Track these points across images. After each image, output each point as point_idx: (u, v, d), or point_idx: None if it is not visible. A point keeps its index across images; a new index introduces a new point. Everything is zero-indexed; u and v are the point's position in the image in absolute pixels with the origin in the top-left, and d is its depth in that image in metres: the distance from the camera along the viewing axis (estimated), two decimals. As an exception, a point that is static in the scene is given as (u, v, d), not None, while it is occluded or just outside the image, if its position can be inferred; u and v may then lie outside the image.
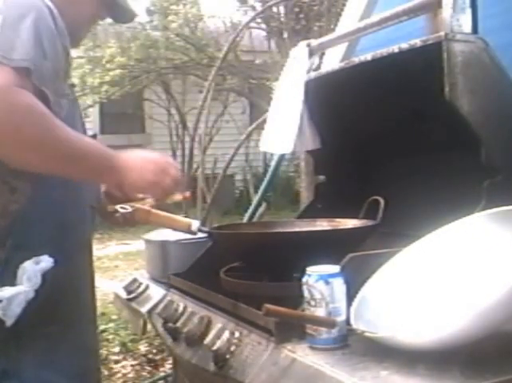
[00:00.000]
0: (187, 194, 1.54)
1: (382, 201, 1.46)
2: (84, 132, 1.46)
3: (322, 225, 1.61)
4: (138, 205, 1.43)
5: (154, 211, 1.43)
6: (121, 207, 1.45)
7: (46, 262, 1.24)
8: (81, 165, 1.25)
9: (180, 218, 1.52)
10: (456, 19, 1.38)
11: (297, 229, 1.61)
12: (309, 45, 1.89)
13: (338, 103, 1.72)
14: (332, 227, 1.57)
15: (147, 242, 1.96)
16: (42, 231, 1.27)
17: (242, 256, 1.50)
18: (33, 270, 1.22)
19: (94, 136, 1.48)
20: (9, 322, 1.20)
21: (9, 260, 1.23)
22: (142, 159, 1.34)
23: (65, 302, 1.30)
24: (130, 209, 1.43)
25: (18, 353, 1.26)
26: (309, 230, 1.57)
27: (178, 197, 1.49)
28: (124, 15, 1.54)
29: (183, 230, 1.51)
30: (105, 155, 1.28)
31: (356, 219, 1.53)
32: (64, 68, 1.30)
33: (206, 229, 1.53)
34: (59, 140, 1.20)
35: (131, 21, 1.63)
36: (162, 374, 3.22)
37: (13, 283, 1.21)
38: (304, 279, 1.12)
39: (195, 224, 1.50)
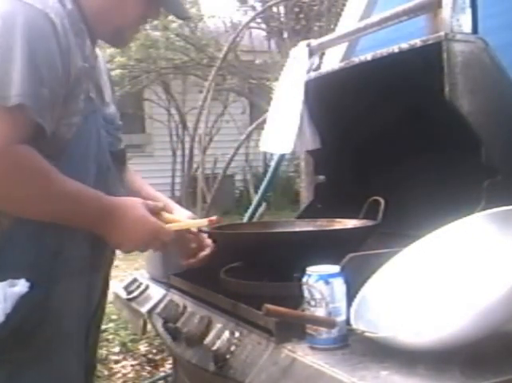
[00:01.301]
0: (214, 219, 1.49)
1: (382, 201, 1.46)
2: (106, 145, 1.38)
3: (322, 225, 1.61)
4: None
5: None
6: None
7: (21, 286, 1.20)
8: (73, 219, 1.25)
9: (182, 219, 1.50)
10: (456, 19, 1.38)
11: (297, 229, 1.61)
12: (309, 45, 1.89)
13: (338, 103, 1.72)
14: (332, 227, 1.57)
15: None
16: (23, 255, 1.23)
17: (242, 256, 1.50)
18: (5, 292, 1.18)
19: (121, 151, 1.47)
20: None
21: None
22: (134, 223, 1.29)
23: (43, 329, 1.24)
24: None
25: None
26: (310, 230, 1.57)
27: (204, 223, 1.49)
28: (177, 10, 1.45)
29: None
30: (99, 210, 1.26)
31: (357, 219, 1.53)
32: (70, 86, 1.24)
33: (206, 229, 1.52)
34: (60, 193, 1.21)
35: (186, 16, 1.57)
36: (162, 374, 3.22)
37: None
38: (304, 279, 1.12)
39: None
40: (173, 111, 9.35)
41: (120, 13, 1.35)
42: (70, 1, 1.27)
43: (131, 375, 3.33)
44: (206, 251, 1.53)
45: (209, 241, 1.55)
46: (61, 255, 1.27)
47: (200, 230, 1.51)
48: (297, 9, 7.43)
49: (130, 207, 1.30)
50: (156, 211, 1.35)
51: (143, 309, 1.77)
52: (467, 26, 1.39)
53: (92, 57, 1.36)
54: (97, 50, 1.46)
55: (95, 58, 1.41)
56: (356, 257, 1.22)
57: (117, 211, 1.28)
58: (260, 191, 3.22)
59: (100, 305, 1.48)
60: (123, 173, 1.50)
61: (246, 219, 3.19)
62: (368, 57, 1.53)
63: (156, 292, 1.78)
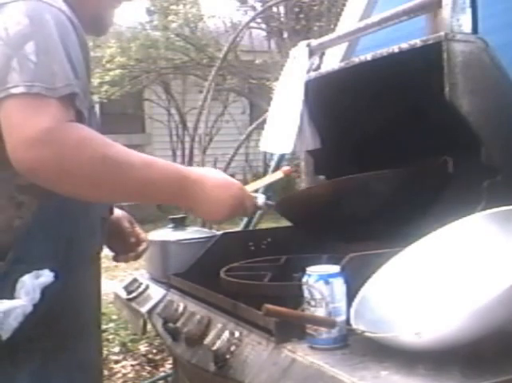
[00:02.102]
0: (287, 169, 1.42)
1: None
2: None
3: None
4: None
5: None
6: None
7: (46, 276, 1.20)
8: (152, 193, 1.20)
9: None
10: (456, 19, 1.38)
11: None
12: (309, 45, 1.89)
13: (338, 103, 1.72)
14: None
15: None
16: (45, 246, 1.23)
17: (316, 215, 1.41)
18: (32, 284, 1.19)
19: None
20: (4, 336, 1.17)
21: (8, 273, 1.19)
22: (218, 190, 1.24)
23: (65, 317, 1.26)
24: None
25: (13, 368, 1.22)
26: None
27: (279, 175, 1.41)
28: None
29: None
30: (176, 179, 1.21)
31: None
32: (88, 81, 1.25)
33: (271, 203, 1.43)
34: (122, 170, 1.15)
35: None
36: (162, 374, 3.22)
37: (11, 297, 1.18)
38: (304, 279, 1.12)
39: (261, 199, 1.40)
40: (173, 111, 9.37)
41: (94, 1, 1.36)
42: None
43: (131, 375, 3.33)
44: (144, 246, 1.54)
45: (145, 235, 1.55)
46: (74, 243, 1.27)
47: (267, 205, 1.39)
48: (297, 9, 7.44)
49: (210, 174, 1.26)
50: None
51: (143, 309, 1.77)
52: (467, 26, 1.39)
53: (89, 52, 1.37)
54: None
55: None
56: (356, 257, 1.21)
57: (198, 178, 1.23)
58: (260, 191, 3.21)
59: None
60: None
61: (245, 219, 3.19)
62: (368, 57, 1.53)
63: (156, 292, 1.78)
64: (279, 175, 1.42)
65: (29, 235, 1.22)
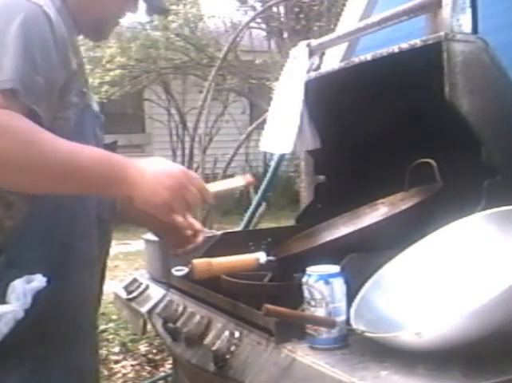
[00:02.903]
0: (250, 178, 1.36)
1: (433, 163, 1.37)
2: (101, 138, 1.38)
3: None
4: (195, 261, 1.32)
5: (214, 260, 1.32)
6: (176, 271, 1.39)
7: (39, 281, 1.18)
8: (79, 180, 1.15)
9: (245, 256, 1.39)
10: (456, 19, 1.38)
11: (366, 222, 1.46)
12: (309, 45, 1.88)
13: (338, 103, 1.72)
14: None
15: (147, 242, 1.96)
16: (38, 249, 1.21)
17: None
18: (23, 289, 1.16)
19: (114, 143, 1.42)
20: None
21: (0, 277, 1.18)
22: (156, 173, 1.17)
23: (58, 322, 1.24)
24: (186, 269, 1.36)
25: (4, 373, 1.20)
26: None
27: (240, 183, 1.35)
28: (154, 3, 1.46)
29: (250, 268, 1.38)
30: (111, 166, 1.16)
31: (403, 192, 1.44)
32: (65, 78, 1.22)
33: (273, 258, 1.40)
34: (46, 155, 1.11)
35: (163, 9, 1.55)
36: (162, 374, 3.22)
37: (2, 301, 1.16)
38: (304, 279, 1.12)
39: (262, 257, 1.38)
40: (173, 111, 9.36)
41: (99, 6, 1.36)
42: None
43: (131, 375, 3.33)
44: (201, 236, 1.51)
45: (200, 225, 1.51)
46: (69, 247, 1.25)
47: (270, 261, 1.36)
48: (297, 9, 7.44)
49: (148, 159, 1.21)
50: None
51: (143, 309, 1.77)
52: (467, 26, 1.38)
53: (80, 52, 1.37)
54: None
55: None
56: (356, 257, 1.21)
57: (134, 164, 1.18)
58: (260, 191, 3.22)
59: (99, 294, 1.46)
60: None
61: (245, 218, 3.19)
62: (368, 57, 1.53)
63: (156, 292, 1.78)
64: (241, 182, 1.36)
65: (21, 239, 1.20)
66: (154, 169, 1.18)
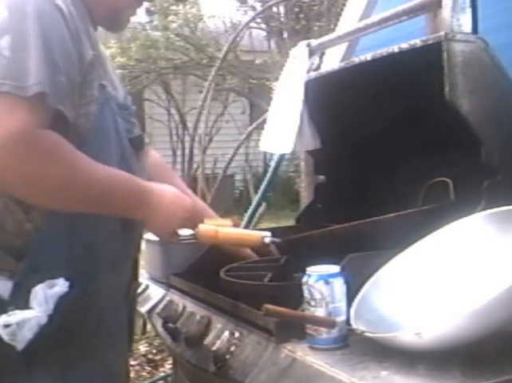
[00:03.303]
0: (237, 221, 1.45)
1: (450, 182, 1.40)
2: (125, 132, 1.35)
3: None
4: (202, 226, 1.34)
5: (221, 229, 1.33)
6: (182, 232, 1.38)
7: (61, 286, 1.16)
8: (111, 205, 1.23)
9: (251, 232, 1.38)
10: (456, 19, 1.38)
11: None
12: (309, 45, 1.88)
13: (338, 103, 1.72)
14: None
15: (147, 242, 1.95)
16: (59, 252, 1.20)
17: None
18: (45, 294, 1.15)
19: (140, 138, 1.42)
20: (19, 347, 1.14)
21: (22, 283, 1.16)
22: (173, 203, 1.31)
23: (84, 326, 1.22)
24: (191, 233, 1.36)
25: (30, 379, 1.19)
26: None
27: (229, 224, 1.42)
28: None
29: (255, 245, 1.38)
30: (140, 193, 1.26)
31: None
32: (82, 73, 1.21)
33: (278, 240, 1.40)
34: (82, 182, 1.17)
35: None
36: (162, 374, 3.21)
37: (25, 307, 1.15)
38: (304, 279, 1.12)
39: (268, 236, 1.37)
40: (173, 111, 9.35)
41: None
42: None
43: (131, 375, 3.31)
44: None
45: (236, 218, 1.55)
46: (93, 249, 1.23)
47: (274, 243, 1.39)
48: (297, 9, 7.44)
49: (167, 189, 1.33)
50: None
51: (143, 309, 1.77)
52: (467, 26, 1.38)
53: (97, 43, 1.33)
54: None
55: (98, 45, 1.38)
56: (356, 257, 1.21)
57: (158, 193, 1.29)
58: (260, 191, 3.22)
59: (131, 292, 1.44)
60: (142, 160, 1.45)
61: (245, 219, 3.18)
62: (368, 56, 1.53)
63: (156, 292, 1.77)
64: (228, 223, 1.44)
65: (41, 242, 1.19)
66: (171, 200, 1.32)
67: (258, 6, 7.65)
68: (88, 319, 1.23)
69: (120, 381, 1.34)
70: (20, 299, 1.15)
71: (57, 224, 1.21)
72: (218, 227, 1.34)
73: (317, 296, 1.09)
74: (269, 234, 1.39)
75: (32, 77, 1.09)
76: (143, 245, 2.00)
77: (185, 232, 1.39)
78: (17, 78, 1.08)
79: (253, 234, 1.37)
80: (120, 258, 1.31)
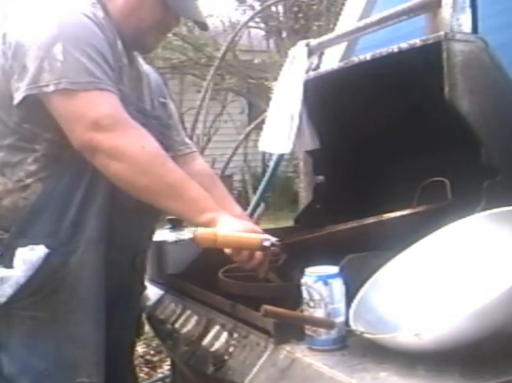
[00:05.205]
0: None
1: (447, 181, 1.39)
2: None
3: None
4: (201, 229, 1.33)
5: (220, 232, 1.31)
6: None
7: (39, 251, 1.32)
8: (180, 203, 1.33)
9: (250, 235, 1.36)
10: (456, 19, 1.38)
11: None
12: (308, 45, 1.88)
13: (337, 103, 1.71)
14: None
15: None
16: (47, 225, 1.35)
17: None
18: (24, 257, 1.32)
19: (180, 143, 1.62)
20: (1, 300, 1.32)
21: (9, 245, 1.34)
22: (238, 221, 1.37)
23: (58, 294, 1.35)
24: (189, 235, 1.39)
25: (8, 329, 1.37)
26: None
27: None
28: (195, 17, 1.53)
29: (254, 248, 1.36)
30: (205, 195, 1.36)
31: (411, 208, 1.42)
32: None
33: (278, 243, 1.37)
34: (164, 166, 1.32)
35: (204, 24, 1.57)
36: (160, 375, 3.20)
37: (9, 266, 1.32)
38: (303, 280, 1.12)
39: (267, 239, 1.35)
40: (171, 111, 9.34)
41: (137, 18, 1.45)
42: (100, 9, 1.41)
43: (129, 375, 3.31)
44: None
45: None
46: (80, 226, 1.36)
47: (274, 245, 1.37)
48: (296, 9, 7.44)
49: (236, 220, 1.37)
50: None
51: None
52: (467, 26, 1.38)
53: (123, 56, 1.45)
54: (140, 60, 1.62)
55: (132, 62, 1.52)
56: (356, 258, 1.21)
57: (223, 211, 1.36)
58: (259, 192, 3.21)
59: (125, 284, 1.52)
60: (185, 166, 1.55)
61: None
62: (368, 56, 1.52)
63: (154, 293, 1.77)
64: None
65: (33, 214, 1.35)
66: (235, 218, 1.39)
67: (257, 6, 7.64)
68: (64, 287, 1.35)
69: (89, 344, 1.38)
70: (7, 259, 1.33)
71: (50, 202, 1.35)
72: (217, 231, 1.33)
73: (316, 297, 1.09)
74: (268, 237, 1.37)
75: (92, 75, 1.28)
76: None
77: (185, 236, 1.40)
78: (71, 76, 1.27)
79: (252, 238, 1.37)
80: (103, 239, 1.39)
